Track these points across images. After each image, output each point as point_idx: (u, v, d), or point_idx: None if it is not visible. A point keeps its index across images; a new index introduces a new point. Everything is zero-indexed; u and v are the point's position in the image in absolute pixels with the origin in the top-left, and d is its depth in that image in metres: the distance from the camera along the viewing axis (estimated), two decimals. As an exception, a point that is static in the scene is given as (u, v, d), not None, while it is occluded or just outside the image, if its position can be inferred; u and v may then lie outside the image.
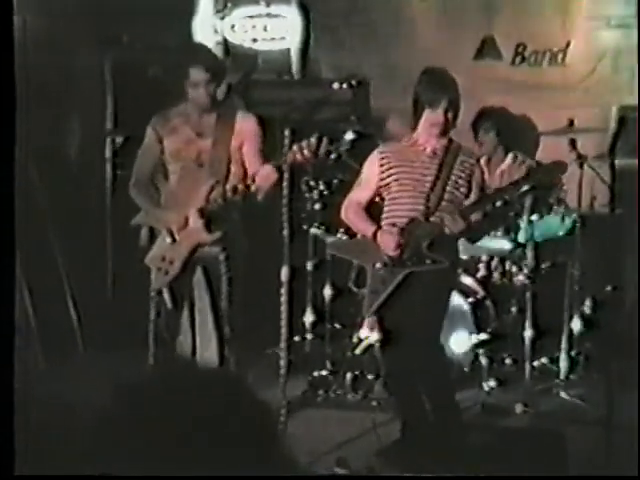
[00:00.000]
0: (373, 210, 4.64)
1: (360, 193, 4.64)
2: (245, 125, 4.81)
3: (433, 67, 4.64)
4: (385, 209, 4.58)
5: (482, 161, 6.12)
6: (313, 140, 4.44)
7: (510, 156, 6.14)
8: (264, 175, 4.61)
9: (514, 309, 5.81)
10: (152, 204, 4.86)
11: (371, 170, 4.60)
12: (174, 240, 4.75)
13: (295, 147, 4.44)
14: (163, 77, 6.26)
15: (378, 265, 4.45)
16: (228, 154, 4.78)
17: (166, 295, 4.77)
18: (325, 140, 4.46)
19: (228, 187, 4.71)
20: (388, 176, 4.53)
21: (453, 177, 4.48)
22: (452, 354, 5.47)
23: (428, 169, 4.49)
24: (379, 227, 4.50)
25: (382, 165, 4.57)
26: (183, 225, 4.73)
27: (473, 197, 4.51)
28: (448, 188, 4.46)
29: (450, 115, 4.46)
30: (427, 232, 4.41)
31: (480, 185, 4.55)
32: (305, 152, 4.43)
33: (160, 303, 4.81)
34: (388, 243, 4.43)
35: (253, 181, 4.66)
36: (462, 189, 4.49)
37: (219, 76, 4.84)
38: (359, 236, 4.74)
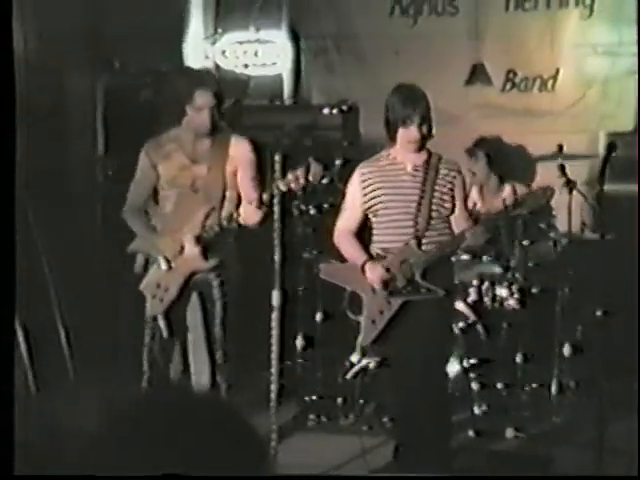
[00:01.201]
0: (365, 233, 4.65)
1: (347, 218, 4.62)
2: (239, 150, 4.76)
3: (402, 84, 4.62)
4: (374, 233, 4.58)
5: (474, 189, 6.18)
6: (306, 168, 4.42)
7: (507, 187, 6.15)
8: (248, 215, 4.58)
9: (505, 333, 5.81)
10: (147, 230, 4.82)
11: (354, 191, 4.59)
12: (170, 267, 4.74)
13: (290, 176, 4.42)
14: (157, 101, 6.28)
15: (374, 292, 4.45)
16: (223, 180, 4.75)
17: (161, 323, 4.74)
18: (317, 167, 4.44)
19: (224, 214, 4.69)
20: (372, 198, 4.53)
21: (437, 193, 4.47)
22: (444, 378, 5.46)
23: (411, 188, 4.48)
24: (370, 256, 4.50)
25: (364, 185, 4.55)
26: (179, 252, 4.71)
27: (458, 211, 4.49)
28: (434, 206, 4.46)
29: (425, 129, 4.45)
30: (421, 261, 4.41)
31: (462, 196, 4.53)
32: (300, 180, 4.41)
33: (155, 328, 4.78)
34: (373, 278, 4.44)
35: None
36: (447, 204, 4.48)
37: (222, 101, 4.82)
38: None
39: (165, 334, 4.76)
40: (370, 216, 4.57)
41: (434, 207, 4.45)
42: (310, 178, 4.39)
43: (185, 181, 4.75)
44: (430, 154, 4.53)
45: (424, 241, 4.43)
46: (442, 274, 4.49)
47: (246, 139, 4.83)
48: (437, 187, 4.47)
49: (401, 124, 4.44)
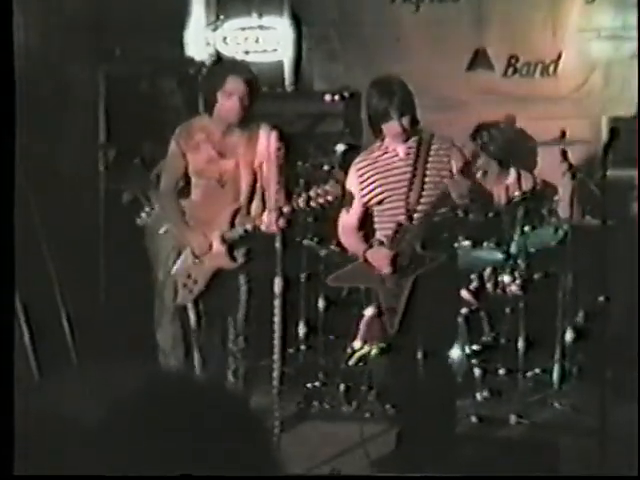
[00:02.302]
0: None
1: (348, 212, 4.63)
2: (265, 143, 4.65)
3: (377, 78, 4.58)
4: (375, 223, 4.59)
5: (478, 175, 6.15)
6: (331, 186, 4.39)
7: (513, 172, 6.12)
8: (269, 223, 4.51)
9: (507, 320, 5.81)
10: (179, 219, 4.84)
11: (352, 185, 4.59)
12: (197, 259, 4.78)
13: (312, 193, 4.38)
14: (160, 91, 6.29)
15: (383, 282, 4.45)
16: (250, 176, 4.72)
17: (191, 312, 4.86)
18: (335, 187, 4.41)
19: (249, 218, 4.68)
20: (369, 190, 4.53)
21: (431, 169, 4.42)
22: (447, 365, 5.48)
23: (404, 172, 4.47)
24: (370, 245, 4.51)
25: (361, 179, 4.57)
26: (207, 249, 4.73)
27: (456, 176, 4.41)
28: (428, 180, 4.42)
29: (406, 121, 4.40)
30: (415, 233, 4.40)
31: (461, 165, 4.43)
32: (329, 198, 4.39)
33: (181, 316, 4.84)
34: (379, 262, 4.43)
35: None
36: (444, 175, 4.42)
37: (253, 93, 4.73)
38: (356, 261, 4.71)
39: (193, 323, 4.85)
40: (372, 209, 4.57)
41: (428, 183, 4.42)
42: (329, 198, 4.37)
43: (212, 174, 4.74)
44: (422, 135, 4.49)
45: (417, 216, 4.41)
46: (446, 262, 4.49)
47: (274, 130, 4.70)
48: (430, 163, 4.43)
49: (382, 120, 4.40)
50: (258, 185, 4.75)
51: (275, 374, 4.54)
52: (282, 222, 4.45)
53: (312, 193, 4.38)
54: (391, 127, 4.40)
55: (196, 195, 4.85)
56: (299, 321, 6.04)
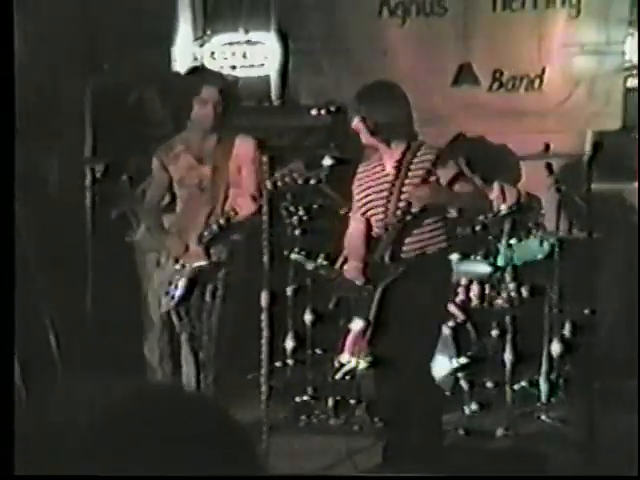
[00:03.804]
0: None
1: (351, 223, 4.68)
2: (244, 149, 4.88)
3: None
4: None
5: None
6: (296, 165, 4.48)
7: (496, 186, 6.13)
8: (243, 206, 4.73)
9: (494, 333, 5.81)
10: (157, 230, 4.99)
11: (353, 195, 4.66)
12: (177, 264, 4.86)
13: (279, 173, 4.47)
14: (148, 103, 6.30)
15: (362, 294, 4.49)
16: (227, 179, 4.86)
17: (174, 318, 4.96)
18: (299, 165, 4.50)
19: (221, 213, 4.78)
20: (361, 202, 4.58)
21: (411, 177, 4.42)
22: (433, 378, 5.48)
23: (387, 182, 4.50)
24: (345, 259, 4.56)
25: (356, 189, 4.64)
26: (184, 251, 4.82)
27: (438, 185, 4.44)
28: (405, 189, 4.43)
29: (382, 132, 4.43)
30: (386, 242, 4.42)
31: (450, 177, 4.44)
32: (294, 175, 4.48)
33: (165, 325, 4.89)
34: (351, 273, 4.50)
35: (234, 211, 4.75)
36: (425, 184, 4.41)
37: (228, 100, 4.92)
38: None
39: (177, 329, 4.98)
40: (369, 218, 4.61)
41: (405, 193, 4.42)
42: (295, 176, 4.46)
43: (192, 181, 4.91)
44: (409, 145, 4.51)
45: (391, 226, 4.44)
46: (438, 275, 4.53)
47: (252, 138, 4.92)
48: (412, 171, 4.43)
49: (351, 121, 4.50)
50: (231, 192, 4.84)
51: (263, 388, 4.53)
52: (254, 205, 4.64)
53: (277, 174, 4.44)
54: (355, 126, 4.45)
55: (179, 206, 5.00)
56: (286, 335, 6.04)
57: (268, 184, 4.48)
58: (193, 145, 4.93)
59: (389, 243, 4.43)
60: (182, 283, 4.88)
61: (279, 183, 4.47)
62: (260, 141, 4.90)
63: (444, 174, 4.43)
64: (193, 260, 4.85)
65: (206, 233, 4.80)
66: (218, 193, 4.85)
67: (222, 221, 4.78)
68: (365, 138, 4.49)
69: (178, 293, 4.90)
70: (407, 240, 4.45)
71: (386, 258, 4.43)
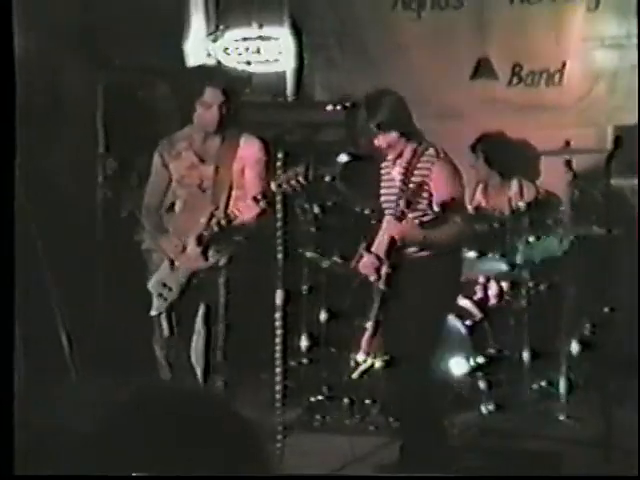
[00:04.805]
0: None
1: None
2: (248, 150, 4.80)
3: (371, 92, 4.60)
4: None
5: (479, 188, 6.15)
6: (301, 168, 4.39)
7: (515, 183, 6.07)
8: (245, 210, 4.64)
9: (512, 331, 5.76)
10: (156, 230, 4.87)
11: None
12: (173, 266, 4.78)
13: (284, 176, 4.39)
14: (159, 100, 6.27)
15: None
16: (230, 180, 4.77)
17: (163, 321, 4.83)
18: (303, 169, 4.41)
19: (223, 214, 4.72)
20: (380, 201, 4.55)
21: (414, 181, 4.36)
22: (451, 377, 5.43)
23: (398, 186, 4.46)
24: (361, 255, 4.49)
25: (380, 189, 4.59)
26: (180, 252, 4.74)
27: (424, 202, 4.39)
28: (409, 191, 4.38)
29: (389, 136, 4.38)
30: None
31: (440, 184, 4.38)
32: (300, 179, 4.39)
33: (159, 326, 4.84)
34: (365, 270, 4.44)
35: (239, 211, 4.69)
36: (423, 193, 4.37)
37: (234, 99, 4.83)
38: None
39: (166, 333, 4.83)
40: None
41: (409, 192, 4.35)
42: (300, 179, 4.36)
43: (193, 180, 4.82)
44: (416, 149, 4.44)
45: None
46: (449, 272, 4.46)
47: (257, 139, 4.84)
48: (415, 175, 4.38)
49: (365, 135, 4.44)
50: (234, 193, 4.75)
51: (277, 388, 4.49)
52: (256, 208, 4.54)
53: (283, 177, 4.36)
54: (375, 141, 4.42)
55: (179, 206, 4.89)
56: (301, 334, 5.99)
57: (273, 186, 4.41)
58: (196, 143, 4.84)
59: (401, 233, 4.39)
60: (176, 286, 4.80)
61: (284, 185, 4.39)
62: (265, 142, 4.83)
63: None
64: (190, 262, 4.77)
65: (205, 234, 4.72)
66: (220, 195, 4.76)
67: (223, 222, 4.70)
68: (386, 140, 4.41)
69: (172, 296, 4.81)
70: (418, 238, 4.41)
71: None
